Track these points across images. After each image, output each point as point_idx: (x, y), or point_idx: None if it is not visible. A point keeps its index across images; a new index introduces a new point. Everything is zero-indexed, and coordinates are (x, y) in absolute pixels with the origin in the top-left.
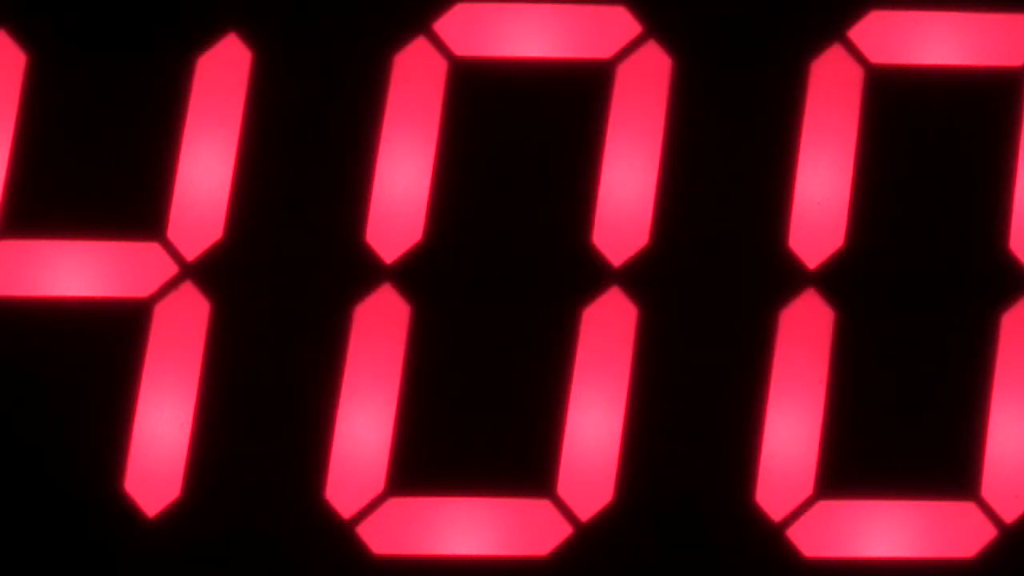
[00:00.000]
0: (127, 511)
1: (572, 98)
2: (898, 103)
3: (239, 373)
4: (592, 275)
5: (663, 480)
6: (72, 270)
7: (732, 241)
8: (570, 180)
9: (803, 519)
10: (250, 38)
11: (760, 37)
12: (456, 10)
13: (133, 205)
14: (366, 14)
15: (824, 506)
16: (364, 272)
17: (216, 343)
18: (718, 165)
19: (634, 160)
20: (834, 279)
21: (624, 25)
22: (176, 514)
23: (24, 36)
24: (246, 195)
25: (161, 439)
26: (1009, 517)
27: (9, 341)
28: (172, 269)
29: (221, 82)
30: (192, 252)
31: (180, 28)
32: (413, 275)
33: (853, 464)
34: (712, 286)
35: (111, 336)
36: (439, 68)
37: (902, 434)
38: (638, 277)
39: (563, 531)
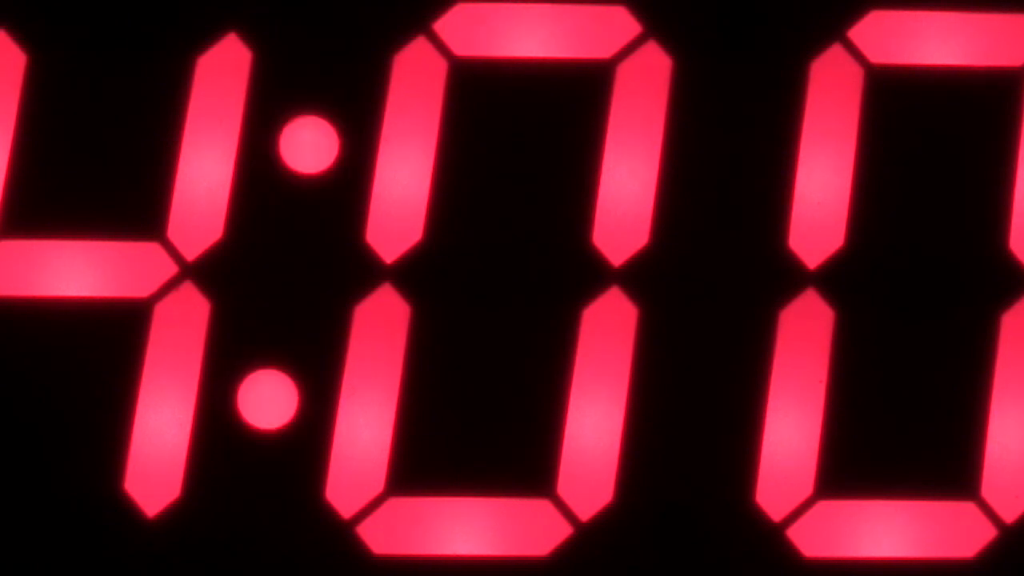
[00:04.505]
0: (127, 511)
1: (572, 98)
2: (898, 103)
3: (239, 373)
4: (592, 275)
5: (663, 480)
6: (72, 270)
7: (732, 241)
8: (570, 180)
9: (803, 519)
10: (250, 38)
11: (760, 37)
12: (456, 10)
13: (133, 205)
14: (366, 14)
15: (824, 506)
16: (364, 272)
17: (216, 343)
18: (718, 165)
19: (634, 160)
20: (834, 279)
21: (624, 25)
22: (176, 514)
23: (24, 36)
24: (246, 195)
25: (161, 439)
26: (1009, 517)
27: (9, 341)
28: (172, 269)
29: (221, 82)
30: (192, 252)
31: (180, 28)
32: (413, 275)
33: (853, 464)
34: (712, 286)
35: (111, 336)
36: (439, 68)
37: (902, 434)
38: (638, 277)
39: (563, 531)
